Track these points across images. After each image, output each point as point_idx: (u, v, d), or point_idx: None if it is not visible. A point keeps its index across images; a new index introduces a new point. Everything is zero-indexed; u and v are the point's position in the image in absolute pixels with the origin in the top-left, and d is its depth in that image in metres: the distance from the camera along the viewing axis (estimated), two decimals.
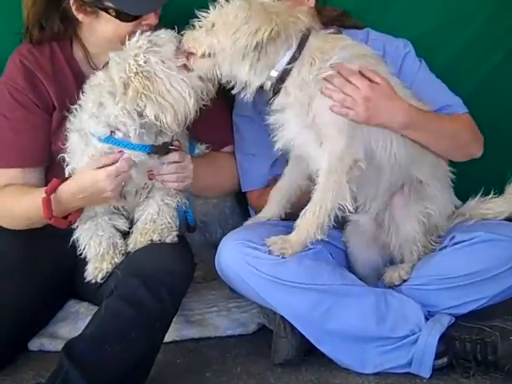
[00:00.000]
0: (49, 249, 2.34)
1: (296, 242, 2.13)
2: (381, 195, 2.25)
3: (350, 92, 2.08)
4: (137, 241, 2.25)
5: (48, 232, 2.32)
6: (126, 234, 2.32)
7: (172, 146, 2.22)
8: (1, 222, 2.33)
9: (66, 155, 2.24)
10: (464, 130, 2.34)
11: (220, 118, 2.46)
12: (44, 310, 2.37)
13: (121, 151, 2.13)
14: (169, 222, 2.26)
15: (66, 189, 2.16)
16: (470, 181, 2.39)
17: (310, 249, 2.15)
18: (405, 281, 2.26)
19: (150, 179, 2.23)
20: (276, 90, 2.10)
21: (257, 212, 2.42)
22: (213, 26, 2.07)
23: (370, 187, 2.22)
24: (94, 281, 2.27)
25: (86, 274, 2.29)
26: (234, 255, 2.15)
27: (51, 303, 2.41)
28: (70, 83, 2.34)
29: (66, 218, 2.22)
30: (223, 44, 2.04)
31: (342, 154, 2.09)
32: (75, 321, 2.36)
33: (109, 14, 2.19)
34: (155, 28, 2.22)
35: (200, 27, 2.10)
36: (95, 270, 2.27)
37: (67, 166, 2.24)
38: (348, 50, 2.12)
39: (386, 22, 2.63)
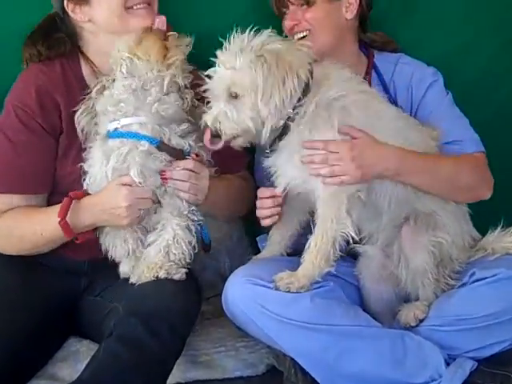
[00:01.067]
0: (46, 283, 2.26)
1: (303, 276, 2.04)
2: (386, 227, 2.17)
3: (335, 162, 2.03)
4: (142, 275, 2.16)
5: (45, 266, 2.26)
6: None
7: (189, 155, 2.17)
8: (2, 245, 2.24)
9: (85, 166, 2.19)
10: (469, 172, 2.23)
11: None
12: (42, 348, 2.25)
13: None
14: (182, 253, 2.18)
15: (85, 202, 2.14)
16: (488, 211, 2.30)
17: (321, 286, 2.06)
18: (421, 321, 2.14)
19: (163, 179, 2.16)
20: (284, 130, 2.05)
21: None
22: (235, 96, 1.97)
23: (371, 221, 2.15)
24: (133, 280, 2.19)
25: (121, 272, 2.24)
26: (241, 293, 2.06)
27: (50, 341, 2.29)
28: (78, 98, 2.25)
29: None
30: (254, 113, 1.97)
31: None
32: (75, 362, 2.25)
33: None
34: None
35: (215, 97, 2.01)
36: (130, 267, 2.22)
37: (85, 179, 2.19)
38: (344, 85, 2.08)
39: (403, 42, 2.57)
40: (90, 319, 2.29)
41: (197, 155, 2.19)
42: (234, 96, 1.98)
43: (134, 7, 2.22)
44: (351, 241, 2.05)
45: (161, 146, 2.14)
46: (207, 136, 2.04)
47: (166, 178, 2.15)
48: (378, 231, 2.17)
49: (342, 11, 2.32)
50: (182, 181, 2.15)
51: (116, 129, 2.15)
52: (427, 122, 2.28)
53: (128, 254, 2.22)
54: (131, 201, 2.09)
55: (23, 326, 2.13)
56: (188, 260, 2.19)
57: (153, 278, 2.13)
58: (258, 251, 2.39)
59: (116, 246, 2.23)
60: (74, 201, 2.14)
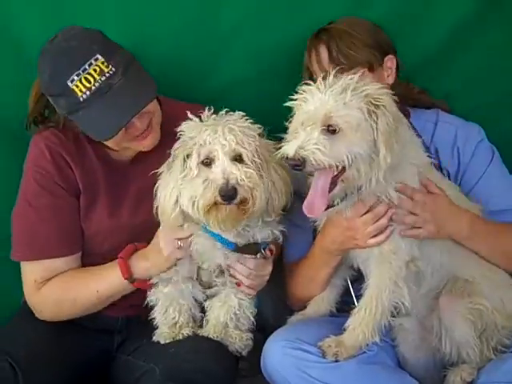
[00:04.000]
0: (80, 342, 2.22)
1: (351, 346, 1.97)
2: (423, 297, 2.08)
3: (419, 212, 1.97)
4: (211, 332, 2.11)
5: (79, 325, 2.22)
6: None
7: (264, 251, 2.10)
8: (51, 313, 2.19)
9: None
10: None
11: None
12: None
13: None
14: (248, 322, 2.15)
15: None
16: None
17: (364, 351, 1.98)
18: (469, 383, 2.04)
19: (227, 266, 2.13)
20: None
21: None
22: (333, 130, 1.85)
23: (410, 290, 2.03)
24: (162, 342, 2.13)
25: (156, 335, 2.15)
26: (281, 357, 1.98)
27: None
28: (94, 164, 2.23)
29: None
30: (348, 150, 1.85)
31: (396, 247, 1.96)
32: None
33: None
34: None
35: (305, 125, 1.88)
36: (172, 333, 2.13)
37: None
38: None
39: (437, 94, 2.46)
40: (124, 379, 2.23)
41: (270, 251, 2.13)
42: (331, 129, 1.85)
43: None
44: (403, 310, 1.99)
45: (235, 248, 2.08)
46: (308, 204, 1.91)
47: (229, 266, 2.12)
48: (414, 301, 2.05)
49: (384, 77, 2.23)
50: (242, 275, 2.11)
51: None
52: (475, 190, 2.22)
53: (175, 325, 2.14)
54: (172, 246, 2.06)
55: (56, 381, 2.08)
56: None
57: (217, 338, 2.08)
58: None
59: (168, 312, 2.15)
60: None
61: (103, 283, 2.14)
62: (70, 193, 2.20)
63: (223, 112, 2.04)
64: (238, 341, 2.11)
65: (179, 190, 1.97)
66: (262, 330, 2.25)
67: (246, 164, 1.94)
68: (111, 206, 2.23)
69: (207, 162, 1.94)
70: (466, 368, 2.06)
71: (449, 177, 2.26)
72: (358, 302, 2.03)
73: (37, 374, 2.03)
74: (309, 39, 2.25)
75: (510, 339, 2.07)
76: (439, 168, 2.23)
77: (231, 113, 2.04)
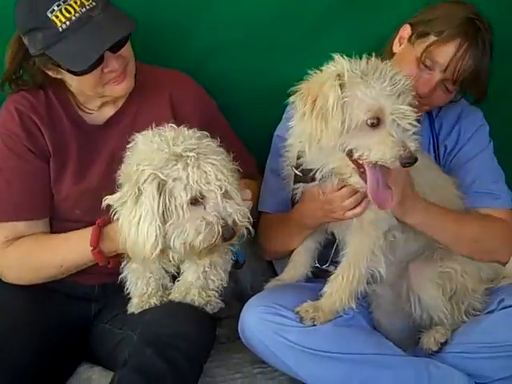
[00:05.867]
0: (57, 309, 2.20)
1: (329, 310, 1.99)
2: (397, 264, 2.11)
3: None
4: (178, 296, 2.10)
5: (56, 292, 2.21)
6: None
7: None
8: (14, 275, 2.18)
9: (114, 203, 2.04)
10: (494, 235, 2.18)
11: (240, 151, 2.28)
12: (54, 374, 2.19)
13: None
14: (221, 280, 2.12)
15: (109, 229, 2.07)
16: None
17: (341, 315, 2.00)
18: (443, 344, 2.08)
19: None
20: None
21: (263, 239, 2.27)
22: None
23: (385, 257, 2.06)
24: (136, 312, 2.14)
25: (129, 306, 2.16)
26: (258, 323, 1.99)
27: (62, 367, 2.23)
28: (66, 128, 2.20)
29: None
30: None
31: (376, 218, 1.97)
32: None
33: (61, 68, 2.06)
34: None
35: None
36: (141, 302, 2.13)
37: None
38: None
39: None
40: (101, 346, 2.23)
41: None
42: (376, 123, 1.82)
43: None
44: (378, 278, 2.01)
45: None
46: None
47: None
48: (388, 268, 2.07)
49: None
50: None
51: None
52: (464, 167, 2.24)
53: (145, 295, 2.14)
54: None
55: (34, 352, 2.06)
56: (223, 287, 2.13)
57: (188, 302, 2.07)
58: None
59: (137, 285, 2.16)
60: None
61: (69, 251, 2.13)
62: (39, 156, 2.17)
63: (184, 135, 1.93)
64: (201, 298, 2.08)
65: (160, 229, 1.88)
66: (240, 298, 2.26)
67: (235, 200, 1.92)
68: (82, 170, 2.20)
69: (194, 201, 1.89)
70: (440, 329, 2.10)
71: (444, 152, 2.29)
72: (329, 267, 2.07)
73: (15, 341, 2.02)
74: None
75: (481, 303, 2.09)
76: (437, 142, 2.27)
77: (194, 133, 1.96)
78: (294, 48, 2.45)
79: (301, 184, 2.05)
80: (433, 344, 2.09)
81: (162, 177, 1.85)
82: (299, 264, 2.21)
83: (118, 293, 2.21)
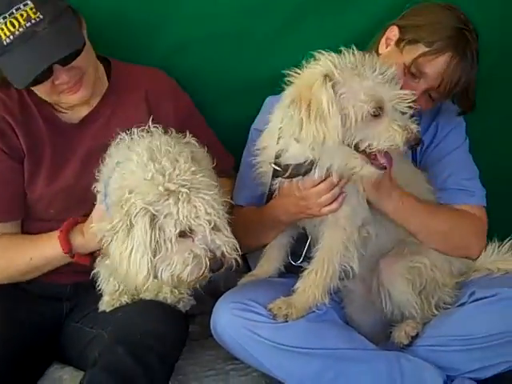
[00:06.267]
0: (28, 309, 2.17)
1: (301, 307, 1.98)
2: (368, 259, 2.11)
3: None
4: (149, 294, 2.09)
5: (27, 292, 2.19)
6: None
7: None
8: None
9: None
10: (465, 230, 2.19)
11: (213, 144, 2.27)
12: (25, 374, 2.16)
13: None
14: (195, 277, 2.02)
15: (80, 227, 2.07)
16: None
17: (314, 310, 2.00)
18: (414, 338, 2.08)
19: None
20: None
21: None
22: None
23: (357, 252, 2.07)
24: (105, 310, 2.12)
25: (100, 304, 2.14)
26: (230, 320, 1.98)
27: (33, 367, 2.20)
28: (40, 127, 2.17)
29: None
30: None
31: (351, 213, 1.98)
32: None
33: None
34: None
35: None
36: (112, 300, 2.12)
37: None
38: None
39: None
40: (72, 346, 2.21)
41: None
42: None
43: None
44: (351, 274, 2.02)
45: None
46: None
47: None
48: (360, 264, 2.07)
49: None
50: None
51: None
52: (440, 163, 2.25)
53: (115, 292, 2.12)
54: None
55: (5, 352, 2.04)
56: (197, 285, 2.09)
57: (160, 299, 2.06)
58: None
59: (109, 282, 2.14)
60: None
61: (39, 253, 2.11)
62: (12, 157, 2.14)
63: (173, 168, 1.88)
64: (173, 296, 2.07)
65: (151, 261, 1.86)
66: (214, 294, 2.24)
67: (223, 232, 1.90)
68: (57, 169, 2.17)
69: (183, 234, 1.87)
70: (410, 323, 2.10)
71: (421, 147, 2.29)
72: (303, 263, 2.06)
73: None
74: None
75: (452, 297, 2.10)
76: None
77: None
78: (266, 42, 2.43)
79: (279, 179, 2.04)
80: (403, 338, 2.09)
81: (154, 212, 1.84)
82: (272, 259, 2.20)
83: (90, 291, 2.19)
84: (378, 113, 1.83)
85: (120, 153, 1.97)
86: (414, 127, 1.84)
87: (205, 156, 2.01)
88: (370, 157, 1.87)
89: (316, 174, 1.95)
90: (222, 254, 1.88)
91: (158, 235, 1.84)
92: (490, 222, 2.24)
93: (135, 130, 1.98)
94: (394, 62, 1.92)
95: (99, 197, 2.02)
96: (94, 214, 2.04)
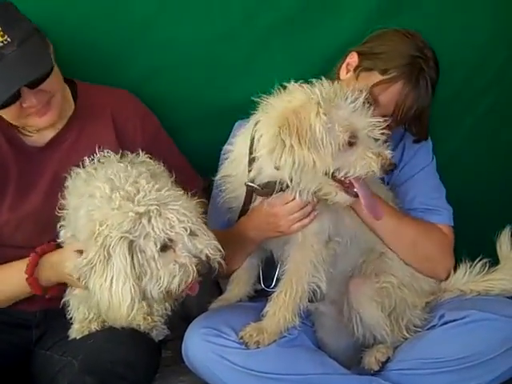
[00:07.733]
0: None
1: (273, 331, 1.98)
2: (337, 279, 2.11)
3: None
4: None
5: None
6: None
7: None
8: None
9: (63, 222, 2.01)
10: (433, 243, 2.19)
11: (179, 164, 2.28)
12: None
13: None
14: (165, 309, 2.10)
15: (48, 259, 2.03)
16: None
17: (285, 335, 1.99)
18: (384, 363, 2.08)
19: None
20: None
21: None
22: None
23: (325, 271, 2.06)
24: (76, 337, 2.09)
25: (70, 331, 2.11)
26: (201, 345, 1.97)
27: None
28: (5, 151, 2.15)
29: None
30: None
31: (319, 230, 1.98)
32: None
33: None
34: None
35: None
36: (81, 328, 2.09)
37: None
38: None
39: None
40: (43, 374, 2.16)
41: None
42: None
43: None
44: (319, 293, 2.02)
45: None
46: None
47: None
48: (329, 284, 2.07)
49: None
50: None
51: None
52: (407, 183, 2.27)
53: (85, 319, 2.11)
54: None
55: None
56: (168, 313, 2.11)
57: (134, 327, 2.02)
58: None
59: (79, 310, 2.12)
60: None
61: (9, 288, 2.09)
62: None
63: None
64: (146, 323, 2.05)
65: (134, 287, 1.84)
66: (186, 319, 2.23)
67: (202, 236, 1.89)
68: (23, 193, 2.15)
69: (164, 248, 1.86)
70: (381, 348, 2.10)
71: None
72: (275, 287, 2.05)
73: None
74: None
75: (422, 320, 2.10)
76: None
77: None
78: (235, 68, 2.44)
79: (256, 197, 2.04)
80: (374, 364, 2.09)
81: (132, 238, 1.83)
82: (242, 282, 2.20)
83: (60, 318, 2.16)
84: (353, 141, 1.86)
85: (80, 190, 1.95)
86: (387, 153, 1.87)
87: (162, 170, 2.02)
88: (344, 184, 1.90)
89: (289, 192, 1.96)
90: (207, 256, 1.87)
91: (140, 258, 1.83)
92: (459, 243, 2.26)
93: (86, 161, 1.99)
94: (355, 88, 1.94)
95: (63, 233, 2.01)
96: (67, 250, 1.99)
